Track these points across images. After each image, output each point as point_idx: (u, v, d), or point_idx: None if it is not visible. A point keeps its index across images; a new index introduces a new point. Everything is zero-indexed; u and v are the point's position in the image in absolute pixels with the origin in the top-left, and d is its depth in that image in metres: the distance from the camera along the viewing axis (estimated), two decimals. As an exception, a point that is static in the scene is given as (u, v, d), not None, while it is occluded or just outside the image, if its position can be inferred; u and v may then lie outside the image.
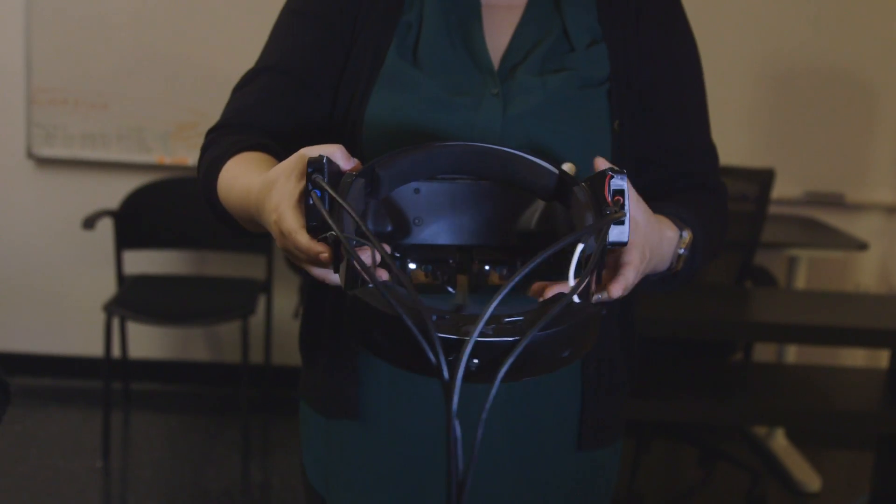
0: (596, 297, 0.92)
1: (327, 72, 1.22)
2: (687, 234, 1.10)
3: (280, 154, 1.11)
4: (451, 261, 1.02)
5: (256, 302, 3.62)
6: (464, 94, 1.18)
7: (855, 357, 4.17)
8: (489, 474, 1.22)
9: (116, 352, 3.83)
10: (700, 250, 1.15)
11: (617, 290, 0.94)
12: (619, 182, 0.91)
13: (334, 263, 0.88)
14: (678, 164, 1.25)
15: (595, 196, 0.92)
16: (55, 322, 4.14)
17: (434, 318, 0.78)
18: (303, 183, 0.90)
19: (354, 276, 0.84)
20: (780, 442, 3.78)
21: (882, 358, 4.02)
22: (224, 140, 1.17)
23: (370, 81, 1.20)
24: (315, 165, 0.87)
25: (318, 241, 0.87)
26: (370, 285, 0.80)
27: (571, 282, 0.84)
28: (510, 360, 0.75)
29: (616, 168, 0.92)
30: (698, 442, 3.64)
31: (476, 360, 0.76)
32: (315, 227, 0.87)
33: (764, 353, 4.05)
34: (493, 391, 0.75)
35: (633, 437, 3.50)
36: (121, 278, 3.71)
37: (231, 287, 3.74)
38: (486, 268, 1.01)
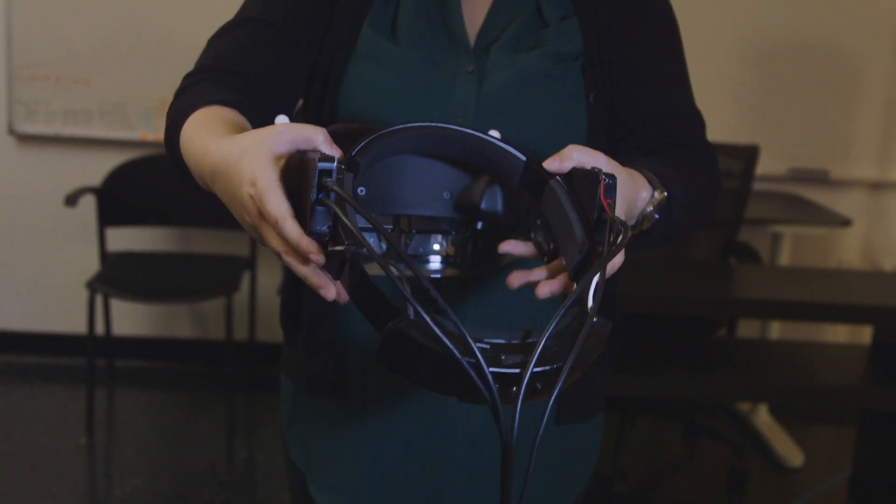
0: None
1: (311, 31, 1.19)
2: (658, 194, 1.04)
3: (252, 113, 1.07)
4: (390, 228, 1.02)
5: (240, 279, 3.61)
6: (440, 71, 1.17)
7: (838, 333, 4.19)
8: (469, 449, 1.22)
9: (100, 329, 3.82)
10: (680, 206, 1.09)
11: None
12: (612, 182, 0.89)
13: (331, 270, 0.84)
14: (660, 129, 1.22)
15: (576, 195, 0.92)
16: (38, 299, 4.12)
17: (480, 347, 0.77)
18: (281, 163, 0.85)
19: (382, 305, 0.80)
20: (763, 418, 3.80)
21: (865, 334, 4.04)
22: (196, 88, 1.11)
23: (346, 56, 1.18)
24: (327, 169, 0.82)
25: (323, 248, 0.82)
26: (410, 317, 0.77)
27: (591, 302, 0.83)
28: (558, 387, 0.80)
29: (606, 172, 0.90)
30: (682, 418, 3.66)
31: (533, 387, 0.80)
32: (320, 234, 0.82)
33: (748, 329, 4.06)
34: (545, 418, 0.82)
35: (618, 412, 3.51)
36: (104, 255, 3.68)
37: (215, 264, 3.72)
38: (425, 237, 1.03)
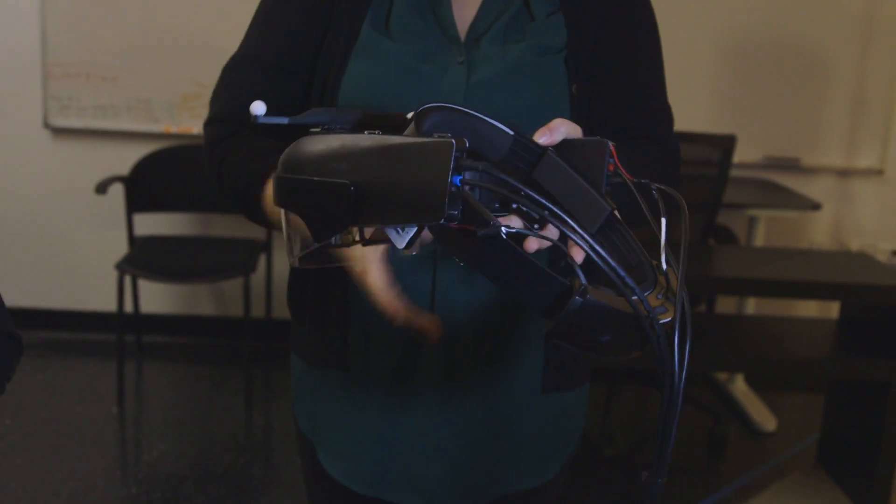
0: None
1: (309, 56, 1.20)
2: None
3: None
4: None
5: (257, 260, 3.60)
6: (431, 62, 1.16)
7: (808, 308, 4.18)
8: (463, 413, 1.22)
9: (129, 307, 3.82)
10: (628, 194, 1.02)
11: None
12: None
13: (463, 251, 0.78)
14: (630, 121, 1.21)
15: (586, 162, 0.88)
16: (72, 280, 4.11)
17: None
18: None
19: (544, 280, 0.75)
20: (739, 386, 3.80)
21: (833, 309, 4.03)
22: (243, 147, 1.15)
23: (346, 53, 1.18)
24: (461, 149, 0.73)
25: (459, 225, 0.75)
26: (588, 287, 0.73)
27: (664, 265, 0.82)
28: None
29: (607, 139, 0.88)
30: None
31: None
32: (451, 216, 0.72)
33: (726, 305, 4.06)
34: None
35: (605, 382, 3.52)
36: (132, 239, 3.68)
37: (234, 246, 3.71)
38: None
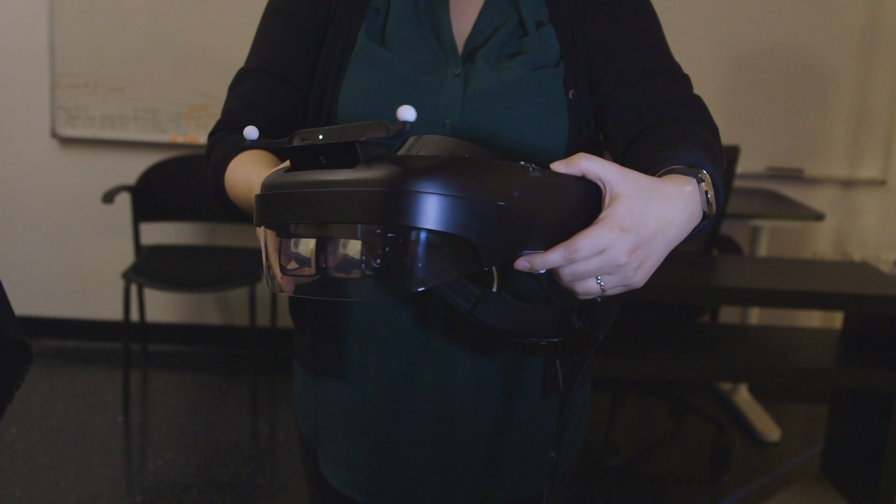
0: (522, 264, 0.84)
1: (307, 66, 1.22)
2: (705, 175, 0.91)
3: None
4: None
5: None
6: (429, 74, 1.16)
7: (812, 318, 4.18)
8: (460, 422, 1.22)
9: (135, 316, 3.82)
10: (718, 183, 0.95)
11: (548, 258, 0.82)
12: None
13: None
14: (649, 84, 1.14)
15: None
16: (78, 289, 4.12)
17: None
18: None
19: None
20: (743, 396, 3.79)
21: (836, 319, 4.03)
22: (226, 141, 1.18)
23: (343, 64, 1.18)
24: None
25: None
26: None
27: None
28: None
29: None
30: (669, 396, 3.65)
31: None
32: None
33: (729, 315, 4.05)
34: None
35: (610, 392, 3.51)
36: (138, 248, 3.68)
37: (239, 256, 3.72)
38: None
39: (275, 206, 0.84)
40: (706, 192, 0.90)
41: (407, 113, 0.75)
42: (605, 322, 0.90)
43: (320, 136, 0.80)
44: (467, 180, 0.76)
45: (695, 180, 0.89)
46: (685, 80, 1.18)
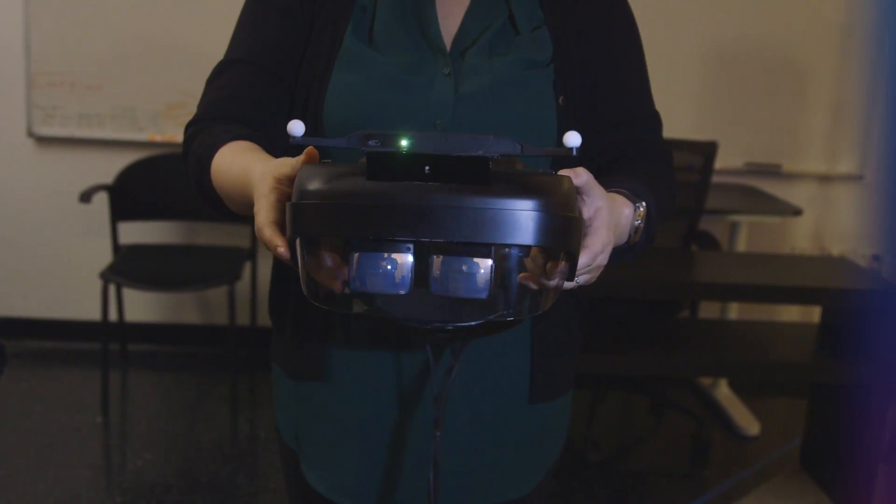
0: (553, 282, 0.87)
1: (292, 60, 1.19)
2: (642, 207, 1.05)
3: (264, 143, 1.11)
4: None
5: (242, 268, 3.59)
6: (417, 74, 1.14)
7: (790, 313, 4.20)
8: (446, 429, 1.20)
9: (113, 316, 3.79)
10: (654, 218, 1.09)
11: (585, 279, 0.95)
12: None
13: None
14: (622, 133, 1.22)
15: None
16: (56, 289, 4.09)
17: None
18: (274, 196, 0.89)
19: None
20: (723, 391, 3.80)
21: (814, 314, 4.04)
22: (214, 129, 1.14)
23: (329, 63, 1.16)
24: None
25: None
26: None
27: None
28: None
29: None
30: (649, 392, 3.66)
31: None
32: None
33: (708, 310, 4.06)
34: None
35: (590, 388, 3.51)
36: (116, 248, 3.66)
37: (219, 255, 3.70)
38: None
39: (371, 217, 0.76)
40: (636, 221, 1.04)
41: (296, 128, 0.82)
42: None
43: (403, 142, 0.76)
44: (574, 201, 0.84)
45: (633, 206, 1.03)
46: (657, 125, 1.26)
